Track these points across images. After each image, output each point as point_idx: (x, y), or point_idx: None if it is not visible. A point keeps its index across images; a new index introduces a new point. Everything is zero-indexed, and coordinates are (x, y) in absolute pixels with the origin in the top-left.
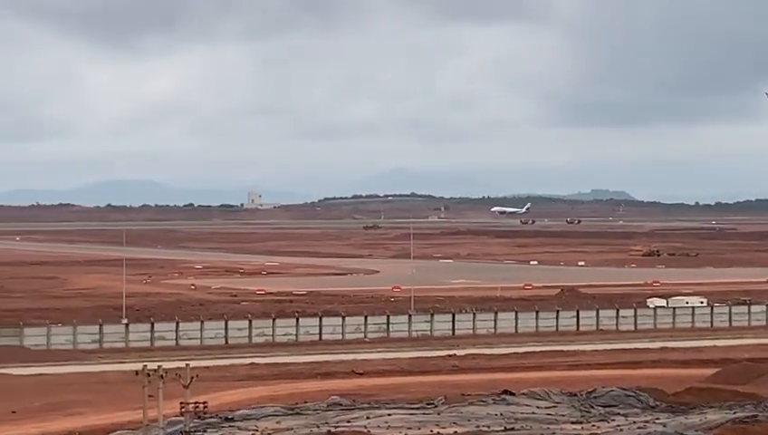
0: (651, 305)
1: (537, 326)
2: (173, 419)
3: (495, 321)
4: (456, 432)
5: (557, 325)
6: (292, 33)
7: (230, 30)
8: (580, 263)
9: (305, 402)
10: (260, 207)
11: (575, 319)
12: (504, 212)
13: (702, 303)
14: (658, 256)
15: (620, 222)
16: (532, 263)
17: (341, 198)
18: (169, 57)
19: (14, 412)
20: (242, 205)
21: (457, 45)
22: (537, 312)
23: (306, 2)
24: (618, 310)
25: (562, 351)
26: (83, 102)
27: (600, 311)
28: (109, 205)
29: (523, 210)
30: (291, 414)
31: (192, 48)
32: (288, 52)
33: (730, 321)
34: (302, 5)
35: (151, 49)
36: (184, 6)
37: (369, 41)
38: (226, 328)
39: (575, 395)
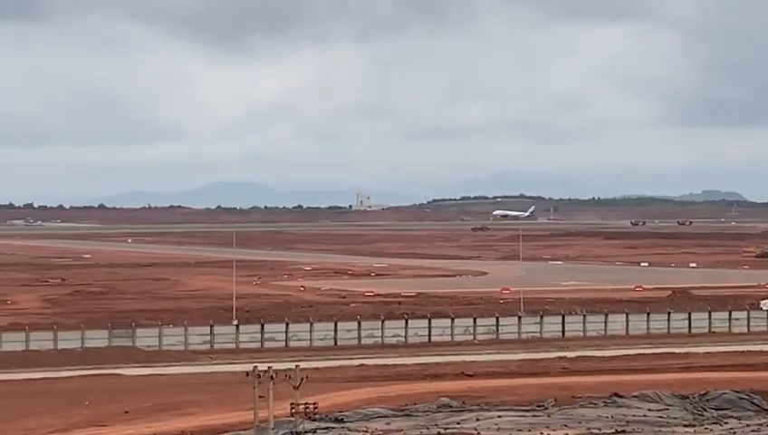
0: (764, 308)
1: (648, 328)
2: (283, 419)
3: (606, 323)
4: None
5: (668, 327)
6: (402, 34)
7: (340, 32)
8: (691, 264)
9: (414, 404)
10: (369, 209)
11: (687, 321)
12: (506, 215)
13: None
14: None
15: (733, 223)
16: (642, 264)
17: (450, 200)
18: (280, 59)
19: (126, 412)
20: (350, 206)
21: (568, 46)
22: (648, 314)
23: (416, 3)
24: (730, 312)
25: (674, 353)
26: (194, 105)
27: (713, 313)
28: (218, 207)
29: (527, 214)
30: (400, 415)
31: (302, 50)
32: (398, 53)
33: None
34: (413, 7)
35: (262, 51)
36: (296, 9)
37: (479, 41)
38: (336, 329)
39: (687, 398)
